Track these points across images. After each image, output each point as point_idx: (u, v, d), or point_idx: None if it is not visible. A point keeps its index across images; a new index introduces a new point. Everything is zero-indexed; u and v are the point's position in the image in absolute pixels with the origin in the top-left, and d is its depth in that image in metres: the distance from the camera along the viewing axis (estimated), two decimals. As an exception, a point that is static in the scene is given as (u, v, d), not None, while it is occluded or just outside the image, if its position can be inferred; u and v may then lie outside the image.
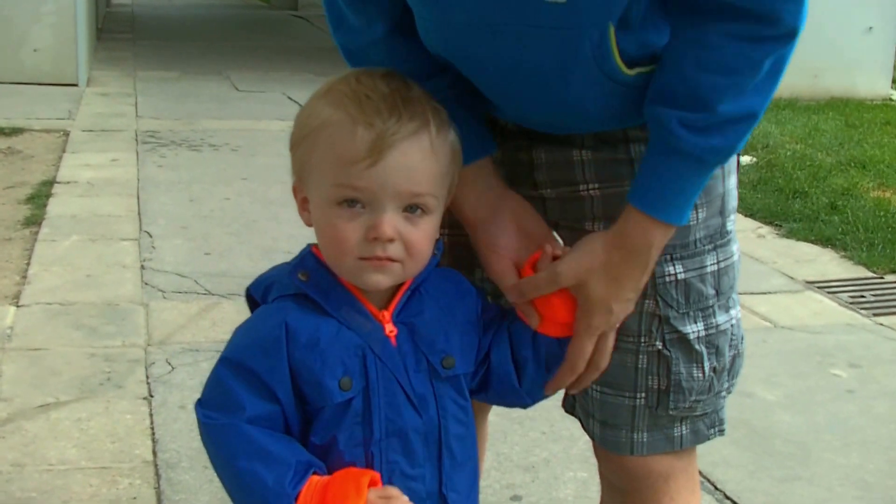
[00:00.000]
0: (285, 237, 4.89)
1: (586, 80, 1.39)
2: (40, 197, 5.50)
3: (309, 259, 1.42)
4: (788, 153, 7.25)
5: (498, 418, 1.55)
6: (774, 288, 4.75)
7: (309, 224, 1.42)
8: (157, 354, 3.65)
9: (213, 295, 4.26)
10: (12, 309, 3.99)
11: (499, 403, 1.63)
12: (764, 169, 6.80)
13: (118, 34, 13.42)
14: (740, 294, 1.66)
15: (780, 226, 5.70)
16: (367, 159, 1.30)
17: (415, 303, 1.43)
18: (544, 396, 1.54)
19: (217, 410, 1.36)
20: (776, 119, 8.35)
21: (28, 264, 4.50)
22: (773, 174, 6.60)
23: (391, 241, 1.33)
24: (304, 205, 1.42)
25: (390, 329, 1.40)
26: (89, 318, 3.95)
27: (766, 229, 5.68)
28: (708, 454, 1.48)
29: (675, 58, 1.36)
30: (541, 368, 1.49)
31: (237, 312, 4.04)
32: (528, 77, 1.41)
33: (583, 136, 1.52)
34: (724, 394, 1.63)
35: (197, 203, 5.62)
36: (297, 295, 1.39)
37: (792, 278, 4.91)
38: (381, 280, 1.36)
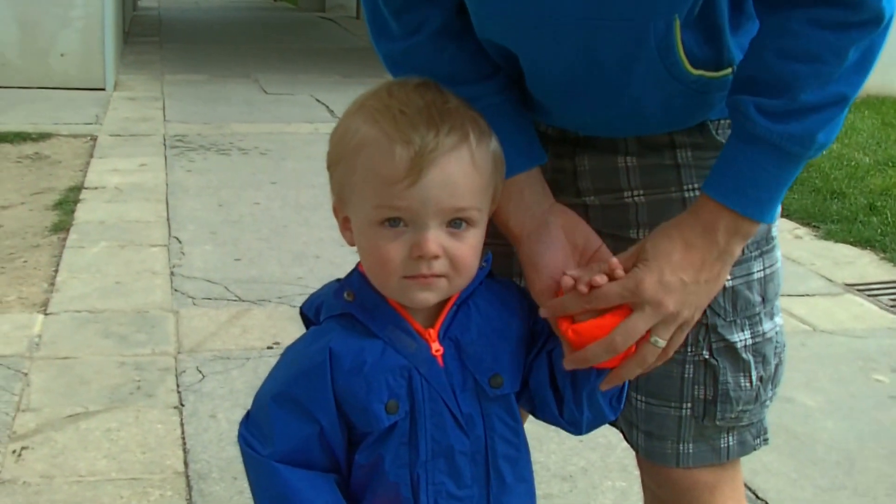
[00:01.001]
0: (316, 241, 4.86)
1: (648, 77, 1.35)
2: (68, 203, 5.51)
3: (355, 278, 1.40)
4: (825, 153, 7.15)
5: (533, 426, 1.49)
6: (813, 290, 4.70)
7: (352, 244, 1.39)
8: (187, 362, 3.64)
9: (243, 301, 4.25)
10: (40, 317, 3.98)
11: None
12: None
13: (145, 38, 13.47)
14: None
15: (818, 227, 5.64)
16: (407, 178, 1.28)
17: (462, 318, 1.40)
18: (594, 427, 1.47)
19: (254, 436, 1.38)
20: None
21: (56, 271, 4.50)
22: (811, 174, 6.53)
23: (436, 257, 1.30)
24: (345, 224, 1.40)
25: (437, 348, 1.38)
26: (118, 325, 3.94)
27: (803, 230, 5.62)
28: (749, 461, 1.45)
29: (757, 46, 1.33)
30: (579, 404, 1.42)
31: (268, 319, 4.06)
32: (589, 72, 1.37)
33: (627, 142, 1.50)
34: (768, 403, 1.60)
35: (226, 208, 5.62)
36: (343, 315, 1.38)
37: (831, 280, 4.84)
38: (428, 297, 1.34)
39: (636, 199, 1.52)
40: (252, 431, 1.38)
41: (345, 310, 1.38)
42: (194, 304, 4.21)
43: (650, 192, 1.51)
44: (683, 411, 1.55)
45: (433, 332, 1.38)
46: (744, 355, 1.53)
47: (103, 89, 8.98)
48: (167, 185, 6.02)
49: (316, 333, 1.40)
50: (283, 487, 1.34)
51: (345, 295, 1.39)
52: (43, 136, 7.05)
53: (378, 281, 1.36)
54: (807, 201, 6.00)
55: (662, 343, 1.34)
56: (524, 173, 1.45)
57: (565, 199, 1.51)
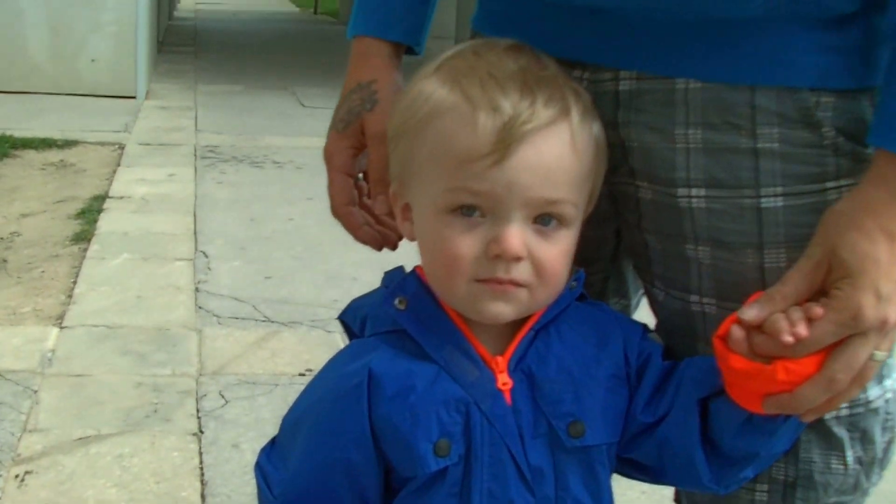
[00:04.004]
0: (352, 263, 4.70)
1: None
2: (91, 212, 5.45)
3: (411, 282, 1.22)
4: None
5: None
6: None
7: (411, 238, 1.22)
8: (209, 386, 3.52)
9: (272, 322, 4.13)
10: (55, 331, 3.89)
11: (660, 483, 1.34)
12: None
13: (180, 47, 13.53)
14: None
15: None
16: (491, 155, 1.09)
17: (540, 347, 1.20)
18: (743, 481, 1.24)
19: (275, 467, 1.24)
20: None
21: (74, 283, 4.41)
22: None
23: (518, 259, 1.11)
24: (405, 214, 1.22)
25: (504, 381, 1.18)
26: (137, 343, 3.84)
27: None
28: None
29: None
30: (750, 461, 1.19)
31: (299, 343, 3.94)
32: None
33: (688, 96, 1.18)
34: (871, 490, 1.33)
35: (258, 223, 5.53)
36: (393, 332, 1.20)
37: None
38: (502, 311, 1.14)
39: (693, 200, 1.21)
40: (274, 462, 1.24)
41: (395, 325, 1.20)
42: (219, 323, 4.10)
43: (713, 191, 1.20)
44: (758, 494, 1.30)
45: (502, 361, 1.18)
46: (836, 430, 1.25)
47: (134, 97, 8.99)
48: (196, 196, 5.96)
49: (357, 349, 1.23)
50: None
51: (396, 302, 1.20)
52: (69, 144, 7.04)
53: (441, 284, 1.17)
54: None
55: (884, 356, 1.11)
56: (373, 40, 1.37)
57: (619, 178, 1.28)
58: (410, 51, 1.43)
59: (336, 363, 1.24)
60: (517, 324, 1.18)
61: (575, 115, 1.13)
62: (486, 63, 1.14)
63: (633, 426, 1.22)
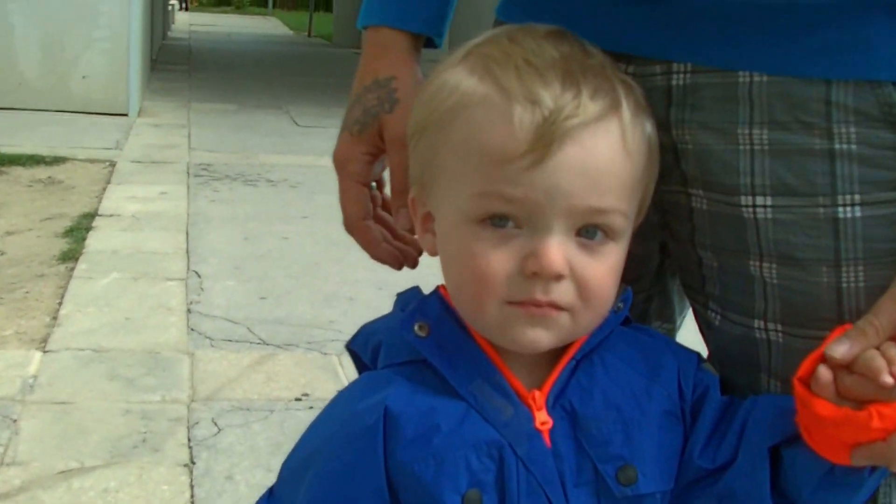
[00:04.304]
0: (350, 282, 4.70)
1: None
2: (79, 230, 5.41)
3: (433, 304, 1.08)
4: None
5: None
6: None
7: (433, 252, 1.08)
8: (201, 413, 3.42)
9: (268, 345, 4.05)
10: (38, 355, 3.79)
11: None
12: None
13: (173, 66, 13.73)
14: None
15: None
16: (529, 155, 0.95)
17: (583, 379, 1.06)
18: None
19: None
20: None
21: (60, 304, 4.33)
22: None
23: (559, 277, 0.98)
24: (426, 224, 1.08)
25: (543, 420, 1.03)
26: (126, 367, 3.74)
27: None
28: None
29: None
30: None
31: (296, 366, 3.86)
32: None
33: (752, 91, 1.06)
34: None
35: (252, 242, 5.50)
36: (411, 363, 1.06)
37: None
38: (540, 338, 1.00)
39: (758, 210, 1.09)
40: None
41: (414, 355, 1.05)
42: (212, 345, 4.02)
43: (782, 199, 1.07)
44: None
45: (540, 396, 1.04)
46: None
47: (126, 115, 9.10)
48: (188, 214, 5.97)
49: (370, 383, 1.08)
50: None
51: (416, 328, 1.05)
52: (58, 160, 7.10)
53: (468, 307, 1.03)
54: None
55: None
56: (391, 30, 1.23)
57: (669, 186, 1.14)
58: (429, 43, 1.28)
59: (344, 400, 1.08)
60: (556, 353, 1.05)
61: (626, 110, 1.00)
62: (523, 49, 1.01)
63: (690, 472, 1.07)
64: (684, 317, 1.37)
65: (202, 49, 16.93)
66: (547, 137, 0.94)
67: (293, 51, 18.63)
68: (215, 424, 3.33)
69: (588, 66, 0.99)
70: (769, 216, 1.07)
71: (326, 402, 1.12)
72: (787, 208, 1.06)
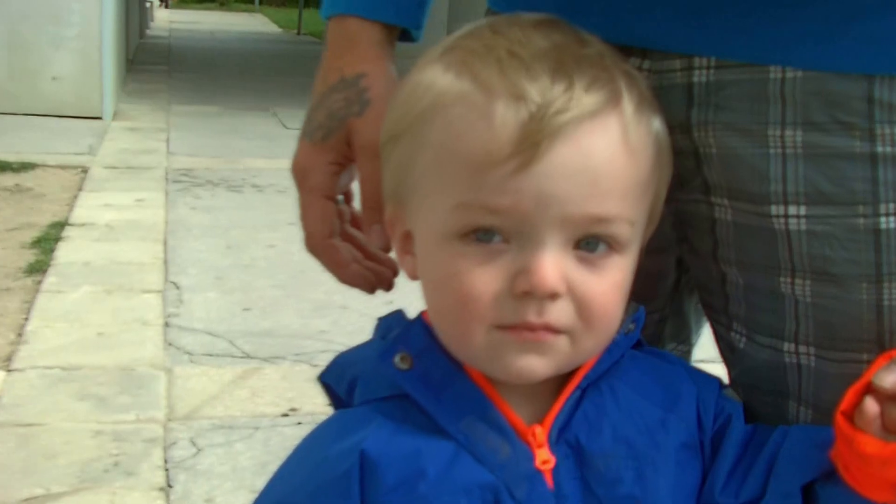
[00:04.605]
0: (341, 290, 4.46)
1: None
2: (48, 241, 5.42)
3: (416, 332, 1.02)
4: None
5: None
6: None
7: (414, 276, 1.03)
8: (179, 432, 3.41)
9: (252, 358, 4.06)
10: (1, 374, 3.79)
11: None
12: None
13: (152, 66, 13.75)
14: None
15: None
16: (515, 158, 0.90)
17: (589, 409, 1.01)
18: None
19: None
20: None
21: (26, 319, 4.34)
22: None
23: (554, 296, 0.92)
24: (405, 245, 1.03)
25: (545, 458, 0.98)
26: (97, 386, 3.73)
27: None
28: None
29: None
30: None
31: (282, 380, 3.87)
32: None
33: (784, 88, 1.03)
34: None
35: (236, 250, 5.52)
36: (392, 399, 1.00)
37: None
38: (534, 366, 0.95)
39: (791, 221, 1.05)
40: None
41: (396, 389, 1.00)
42: (191, 360, 4.03)
43: (817, 209, 1.04)
44: None
45: (541, 432, 0.99)
46: None
47: (100, 118, 9.11)
48: (167, 223, 5.99)
49: (344, 423, 1.03)
50: None
51: (397, 359, 1.00)
52: (25, 167, 7.11)
53: (454, 333, 0.98)
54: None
55: None
56: (360, 21, 1.17)
57: (688, 195, 1.12)
58: (405, 36, 1.22)
59: (315, 443, 1.03)
60: (559, 381, 1.01)
61: (628, 102, 0.95)
62: (508, 41, 0.96)
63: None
64: (699, 336, 1.34)
65: (183, 48, 16.95)
66: (534, 136, 0.89)
67: (281, 49, 18.66)
68: (194, 444, 3.32)
69: (583, 56, 0.94)
70: (802, 227, 1.04)
71: (316, 418, 1.07)
72: (822, 219, 1.03)
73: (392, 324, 1.05)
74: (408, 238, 1.02)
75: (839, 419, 0.96)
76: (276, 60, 16.27)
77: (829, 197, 1.02)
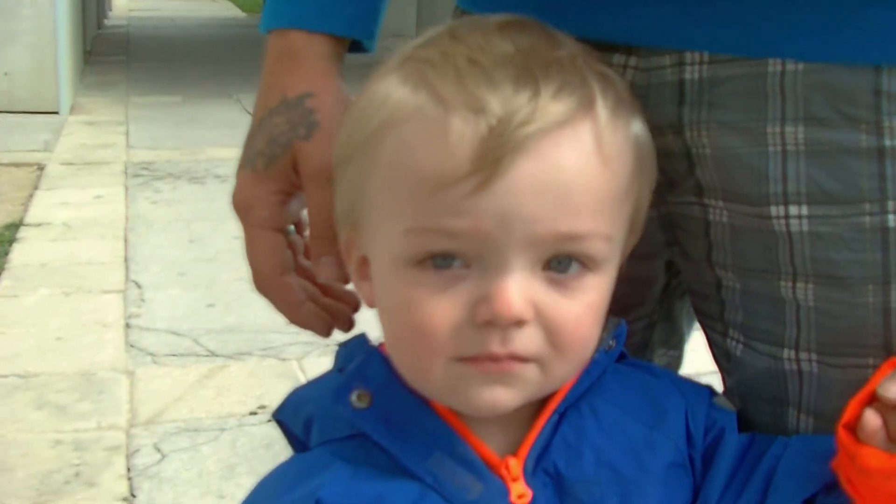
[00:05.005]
0: None
1: None
2: (2, 242, 5.40)
3: (375, 366, 0.96)
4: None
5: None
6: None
7: (371, 304, 0.97)
8: (142, 438, 3.38)
9: (217, 356, 4.04)
10: None
11: None
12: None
13: (110, 57, 13.65)
14: None
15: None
16: (474, 176, 0.84)
17: (569, 434, 0.96)
18: None
19: None
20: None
21: None
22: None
23: (520, 323, 0.86)
24: (361, 270, 0.98)
25: (521, 492, 0.93)
26: (56, 393, 3.69)
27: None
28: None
29: None
30: None
31: (249, 377, 3.86)
32: None
33: (784, 82, 0.99)
34: None
35: (199, 244, 5.50)
36: (351, 439, 0.95)
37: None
38: (500, 398, 0.89)
39: (792, 221, 1.01)
40: None
41: (355, 429, 0.94)
42: (154, 362, 4.00)
43: (821, 209, 1.00)
44: None
45: (515, 464, 0.94)
46: None
47: (56, 112, 9.03)
48: (127, 219, 5.97)
49: (299, 468, 0.97)
50: None
51: (353, 397, 0.93)
52: None
53: (411, 366, 0.92)
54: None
55: None
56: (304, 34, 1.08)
57: (679, 198, 1.08)
58: (356, 47, 1.13)
59: (268, 492, 0.96)
60: (534, 406, 0.95)
61: (602, 108, 0.89)
62: (468, 47, 0.89)
63: None
64: (689, 341, 1.32)
65: (142, 37, 16.85)
66: (495, 152, 0.83)
67: (244, 35, 18.57)
68: (158, 450, 3.30)
69: (553, 60, 0.88)
70: (805, 229, 1.00)
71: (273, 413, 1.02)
72: (826, 219, 0.99)
73: (353, 352, 0.99)
74: (364, 264, 0.96)
75: (841, 433, 0.93)
76: (238, 46, 16.20)
77: (833, 195, 0.98)
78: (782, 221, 1.00)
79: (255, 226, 1.08)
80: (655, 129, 1.03)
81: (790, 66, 0.97)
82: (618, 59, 1.03)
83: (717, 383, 1.08)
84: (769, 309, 1.04)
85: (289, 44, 1.08)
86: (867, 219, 0.97)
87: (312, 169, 1.05)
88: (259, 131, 1.07)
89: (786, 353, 1.05)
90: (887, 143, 0.96)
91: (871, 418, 0.91)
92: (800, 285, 1.01)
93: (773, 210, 1.00)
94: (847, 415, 0.93)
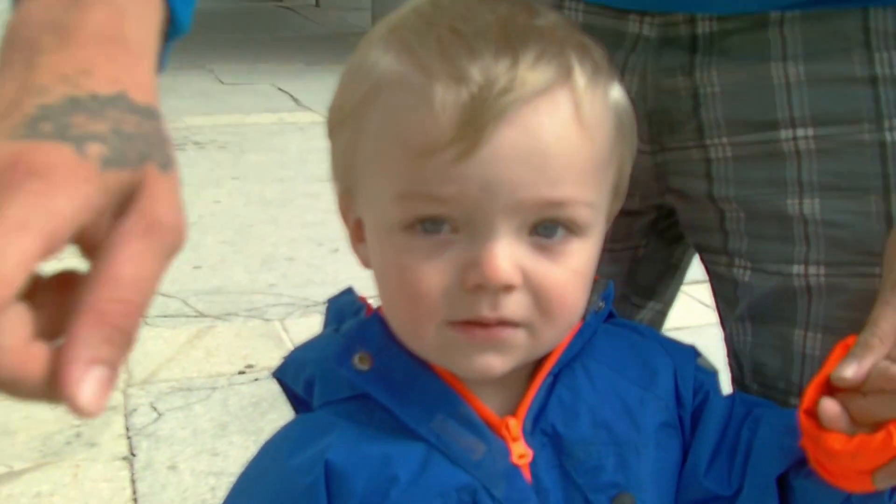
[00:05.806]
0: (287, 242, 4.65)
1: None
2: None
3: (372, 329, 0.95)
4: None
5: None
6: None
7: (367, 265, 0.96)
8: (139, 398, 3.38)
9: (205, 317, 4.04)
10: None
11: None
12: None
13: None
14: None
15: None
16: (457, 144, 0.83)
17: (565, 395, 0.95)
18: None
19: None
20: None
21: None
22: None
23: (509, 288, 0.86)
24: (357, 232, 0.96)
25: (521, 452, 0.92)
26: None
27: None
28: None
29: None
30: None
31: (236, 337, 3.84)
32: None
33: (785, 27, 1.05)
34: None
35: None
36: (353, 399, 0.94)
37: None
38: (491, 364, 0.89)
39: (800, 141, 1.05)
40: None
41: (357, 390, 0.94)
42: (146, 323, 3.93)
43: (824, 129, 1.04)
44: None
45: (515, 424, 0.93)
46: None
47: None
48: None
49: (306, 429, 0.95)
50: None
51: (355, 360, 0.93)
52: None
53: (406, 330, 0.92)
54: None
55: None
56: None
57: (677, 143, 1.11)
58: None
59: (275, 453, 0.95)
60: (530, 367, 0.95)
61: (580, 76, 0.87)
62: (450, 16, 0.89)
63: (694, 491, 0.98)
64: (675, 297, 1.34)
65: (114, 13, 16.73)
66: (477, 120, 0.82)
67: (216, 6, 18.36)
68: (154, 409, 3.29)
69: (532, 29, 0.87)
70: (812, 147, 1.04)
71: (273, 372, 1.01)
72: (830, 137, 1.04)
73: (344, 306, 0.99)
74: (359, 226, 0.95)
75: (803, 419, 0.92)
76: (210, 17, 16.00)
77: (835, 116, 1.03)
78: (791, 143, 1.05)
79: None
80: (666, 70, 1.09)
81: (788, 14, 1.03)
82: (633, 18, 1.07)
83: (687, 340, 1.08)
84: (777, 229, 1.07)
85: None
86: (866, 135, 1.02)
87: None
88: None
89: (795, 268, 1.07)
90: (879, 71, 1.02)
91: (830, 406, 0.91)
92: (806, 201, 1.05)
93: (783, 133, 1.05)
94: (806, 401, 0.92)
